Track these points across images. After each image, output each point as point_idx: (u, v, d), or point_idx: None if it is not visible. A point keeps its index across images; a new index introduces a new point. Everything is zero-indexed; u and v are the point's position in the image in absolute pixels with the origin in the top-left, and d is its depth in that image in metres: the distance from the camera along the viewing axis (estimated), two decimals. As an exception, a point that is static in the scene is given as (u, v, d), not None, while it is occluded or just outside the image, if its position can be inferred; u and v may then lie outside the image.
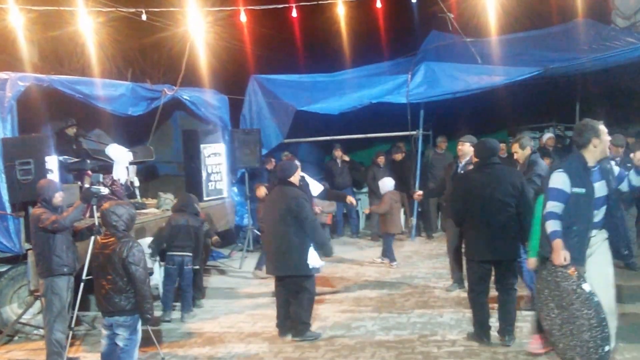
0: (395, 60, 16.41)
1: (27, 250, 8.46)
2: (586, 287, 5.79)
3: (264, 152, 13.93)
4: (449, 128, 14.90)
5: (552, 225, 5.90)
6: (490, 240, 7.20)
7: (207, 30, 13.56)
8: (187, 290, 9.31)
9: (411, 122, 14.17)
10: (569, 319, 5.88)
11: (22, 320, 8.66)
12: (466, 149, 9.72)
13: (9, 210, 8.55)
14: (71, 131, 11.57)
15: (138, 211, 10.67)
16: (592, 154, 6.02)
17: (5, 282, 8.83)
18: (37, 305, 8.60)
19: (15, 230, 8.62)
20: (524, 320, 7.87)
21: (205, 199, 12.29)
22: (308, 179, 10.02)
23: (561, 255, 5.78)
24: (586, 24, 15.28)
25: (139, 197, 11.74)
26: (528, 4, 17.25)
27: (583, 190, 5.92)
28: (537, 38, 15.48)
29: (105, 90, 11.16)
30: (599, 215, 6.08)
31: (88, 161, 10.94)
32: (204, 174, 12.47)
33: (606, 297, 5.98)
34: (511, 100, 14.18)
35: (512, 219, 7.18)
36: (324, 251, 8.29)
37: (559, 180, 5.99)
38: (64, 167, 10.35)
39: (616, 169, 6.31)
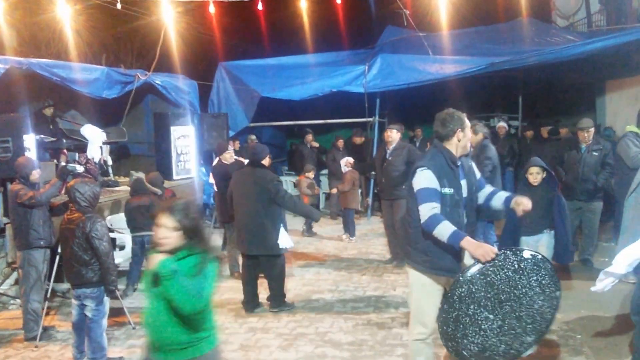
0: (355, 51, 16.37)
1: (6, 224, 8.34)
2: (526, 253, 4.51)
3: (231, 134, 13.83)
4: (402, 115, 14.87)
5: (446, 228, 4.53)
6: None
7: (178, 19, 13.36)
8: None
9: (368, 109, 14.14)
10: (516, 307, 4.44)
11: (-1, 291, 8.44)
12: (394, 135, 9.68)
13: (-13, 186, 8.33)
14: (48, 112, 11.47)
15: (111, 188, 10.57)
16: (455, 149, 4.90)
17: (-16, 254, 8.61)
18: (15, 276, 8.41)
19: (-6, 205, 8.42)
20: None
21: (175, 178, 12.20)
22: None
23: (486, 248, 4.42)
24: (529, 22, 15.40)
25: (112, 175, 11.61)
26: (476, 3, 17.31)
27: (451, 191, 4.74)
28: (484, 33, 15.56)
29: (81, 73, 11.05)
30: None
31: (64, 140, 10.82)
32: (173, 155, 12.34)
33: None
34: (460, 91, 14.19)
35: None
36: (312, 217, 8.75)
37: (427, 178, 4.73)
38: (41, 146, 10.26)
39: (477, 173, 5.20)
